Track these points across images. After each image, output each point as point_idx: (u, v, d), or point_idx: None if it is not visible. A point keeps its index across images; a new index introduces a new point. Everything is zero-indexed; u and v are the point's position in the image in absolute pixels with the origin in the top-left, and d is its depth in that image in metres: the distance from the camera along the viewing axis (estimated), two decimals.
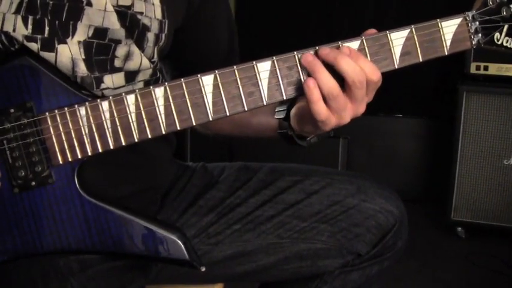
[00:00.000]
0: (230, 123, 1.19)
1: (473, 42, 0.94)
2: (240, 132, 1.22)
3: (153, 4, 1.03)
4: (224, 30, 1.21)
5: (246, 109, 0.90)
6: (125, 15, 1.00)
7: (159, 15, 1.04)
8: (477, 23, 0.94)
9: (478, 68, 2.61)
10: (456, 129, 2.64)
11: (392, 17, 3.15)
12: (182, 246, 0.93)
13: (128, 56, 1.02)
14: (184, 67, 1.15)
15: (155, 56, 1.07)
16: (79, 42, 0.98)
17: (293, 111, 1.00)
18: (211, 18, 1.16)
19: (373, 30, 0.93)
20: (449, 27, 0.93)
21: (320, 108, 0.89)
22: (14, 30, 0.95)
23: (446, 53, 0.94)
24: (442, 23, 0.93)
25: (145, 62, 1.05)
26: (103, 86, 1.01)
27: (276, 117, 1.03)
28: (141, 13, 1.02)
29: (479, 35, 0.94)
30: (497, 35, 0.94)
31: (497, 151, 2.62)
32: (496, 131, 2.61)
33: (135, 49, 1.03)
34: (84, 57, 0.98)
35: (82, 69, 0.98)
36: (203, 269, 0.94)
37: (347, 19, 3.21)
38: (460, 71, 2.65)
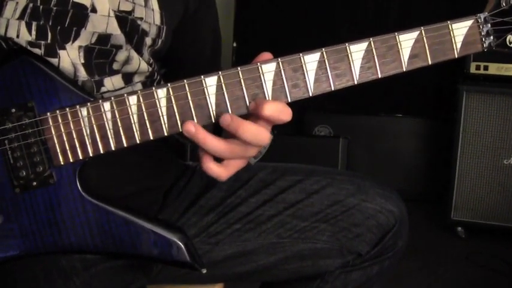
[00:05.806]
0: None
1: (485, 45, 0.91)
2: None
3: (152, 10, 1.03)
4: (209, 35, 1.20)
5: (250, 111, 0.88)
6: (126, 20, 1.00)
7: (158, 21, 1.04)
8: (489, 25, 0.90)
9: (478, 67, 2.61)
10: (456, 129, 2.64)
11: (394, 17, 3.15)
12: (184, 248, 0.92)
13: (126, 61, 1.03)
14: (170, 68, 1.15)
15: (151, 59, 1.07)
16: (80, 47, 0.98)
17: None
18: (200, 23, 1.16)
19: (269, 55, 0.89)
20: (459, 29, 0.89)
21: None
22: (17, 36, 0.95)
23: (456, 56, 0.91)
24: (453, 25, 0.89)
25: (144, 66, 1.05)
26: (103, 89, 1.01)
27: None
28: (141, 18, 1.02)
29: (491, 37, 0.91)
30: (509, 37, 0.91)
31: (497, 151, 2.62)
32: (496, 131, 2.61)
33: (134, 54, 1.03)
34: (83, 61, 0.98)
35: (83, 73, 0.98)
36: (204, 271, 0.94)
37: (348, 19, 3.21)
38: (460, 70, 2.65)
